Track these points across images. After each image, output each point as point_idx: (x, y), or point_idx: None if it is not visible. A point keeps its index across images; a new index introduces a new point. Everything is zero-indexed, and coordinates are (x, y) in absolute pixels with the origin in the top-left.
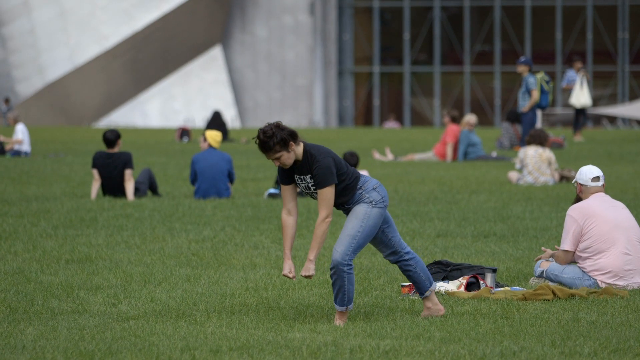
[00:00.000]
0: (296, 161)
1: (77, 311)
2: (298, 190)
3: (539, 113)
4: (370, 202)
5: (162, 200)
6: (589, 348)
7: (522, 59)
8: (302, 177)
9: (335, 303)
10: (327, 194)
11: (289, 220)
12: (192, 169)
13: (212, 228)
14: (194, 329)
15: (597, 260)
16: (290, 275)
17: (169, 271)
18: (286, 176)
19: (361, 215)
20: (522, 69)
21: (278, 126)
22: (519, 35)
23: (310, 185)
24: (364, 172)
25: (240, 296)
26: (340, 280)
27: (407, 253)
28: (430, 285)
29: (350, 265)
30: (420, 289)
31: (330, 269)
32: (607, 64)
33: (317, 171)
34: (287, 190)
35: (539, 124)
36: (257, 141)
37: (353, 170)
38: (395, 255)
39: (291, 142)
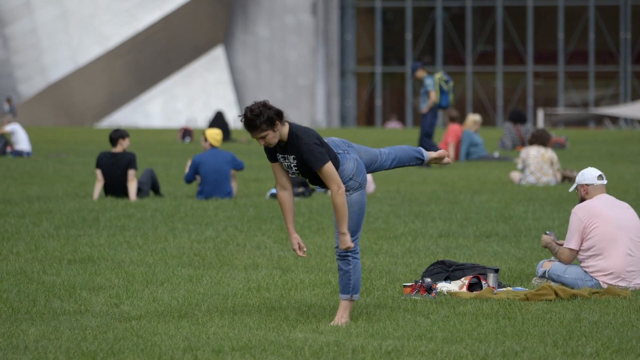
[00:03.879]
0: (280, 140)
1: (80, 311)
2: None
3: (440, 113)
4: (347, 191)
5: (164, 200)
6: (591, 348)
7: (414, 65)
8: (285, 156)
9: (340, 293)
10: (327, 171)
11: (284, 195)
12: (191, 169)
13: (215, 228)
14: (196, 329)
15: (599, 261)
16: (300, 253)
17: (171, 271)
18: (272, 154)
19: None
20: (419, 73)
21: (265, 105)
22: (521, 36)
23: (292, 165)
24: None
25: (242, 296)
26: (345, 264)
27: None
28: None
29: (354, 250)
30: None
31: (337, 256)
32: (609, 64)
33: (307, 155)
34: (276, 167)
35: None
36: (243, 119)
37: (334, 156)
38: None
39: (277, 122)
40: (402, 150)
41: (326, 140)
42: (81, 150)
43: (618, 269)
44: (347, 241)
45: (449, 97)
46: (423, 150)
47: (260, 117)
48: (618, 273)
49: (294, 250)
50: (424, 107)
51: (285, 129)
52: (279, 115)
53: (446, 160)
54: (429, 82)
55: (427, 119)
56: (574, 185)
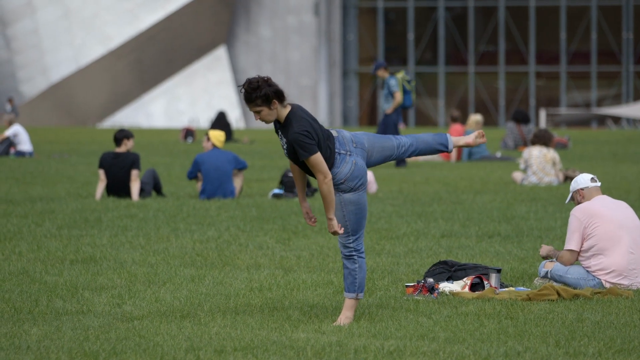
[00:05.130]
0: (279, 120)
1: (82, 311)
2: None
3: (403, 113)
4: (340, 192)
5: (167, 200)
6: (593, 348)
7: (377, 63)
8: (281, 136)
9: (345, 292)
10: (313, 161)
11: (295, 171)
12: (193, 167)
13: (217, 228)
14: (199, 329)
15: (601, 260)
16: (310, 222)
17: (174, 271)
18: (276, 132)
19: (339, 205)
20: (381, 72)
21: (266, 81)
22: (523, 36)
23: (284, 147)
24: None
25: (244, 296)
26: (350, 263)
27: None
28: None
29: (359, 250)
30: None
31: (342, 256)
32: (611, 64)
33: (295, 144)
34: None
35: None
36: (242, 90)
37: (331, 152)
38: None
39: (274, 101)
40: (424, 142)
41: (337, 134)
42: (83, 151)
43: (620, 267)
44: (334, 226)
45: (412, 97)
46: (449, 137)
47: (257, 91)
48: (620, 271)
49: (305, 219)
50: (388, 108)
51: (284, 111)
52: (277, 94)
53: (474, 139)
54: (392, 82)
55: (392, 119)
56: (569, 195)
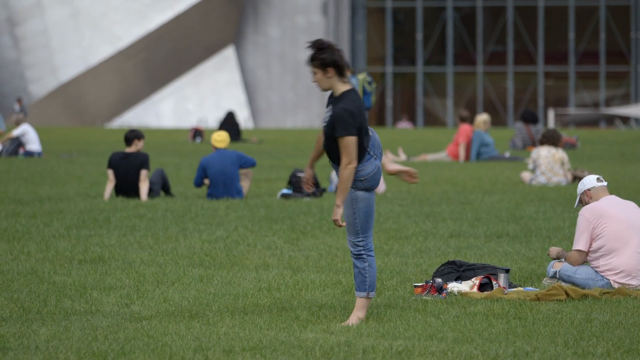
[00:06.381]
0: (333, 92)
1: (90, 311)
2: None
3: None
4: (355, 188)
5: (175, 200)
6: (601, 348)
7: None
8: (328, 109)
9: (356, 291)
10: (346, 142)
11: (320, 140)
12: (199, 172)
13: (225, 228)
14: (207, 329)
15: (609, 260)
16: (307, 186)
17: (182, 271)
18: (328, 105)
19: (349, 202)
20: None
21: (333, 48)
22: (531, 36)
23: (325, 121)
24: None
25: (253, 296)
26: (360, 262)
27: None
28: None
29: (368, 248)
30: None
31: (352, 255)
32: (620, 64)
33: (336, 118)
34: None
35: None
36: (310, 46)
37: (361, 150)
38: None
39: (330, 69)
40: None
41: (372, 134)
42: (92, 151)
43: (629, 267)
44: (338, 213)
45: (372, 99)
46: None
47: (319, 52)
48: (629, 271)
49: (303, 182)
50: None
51: (341, 87)
52: (335, 64)
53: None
54: (352, 82)
55: None
56: (577, 199)
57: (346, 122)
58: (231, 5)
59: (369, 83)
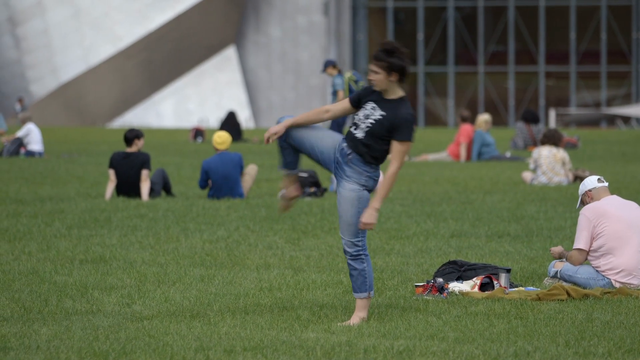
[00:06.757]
0: (383, 94)
1: (91, 311)
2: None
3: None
4: (362, 185)
5: (176, 200)
6: (603, 348)
7: (326, 61)
8: (374, 107)
9: (356, 292)
10: (405, 148)
11: (321, 112)
12: (202, 175)
13: (226, 228)
14: (208, 329)
15: (610, 259)
16: (266, 139)
17: (183, 271)
18: (359, 98)
19: (355, 201)
20: (329, 70)
21: (402, 53)
22: (532, 36)
23: (372, 117)
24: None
25: (254, 296)
26: (359, 263)
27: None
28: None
29: (365, 248)
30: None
31: (348, 258)
32: (621, 64)
33: (404, 124)
34: (344, 105)
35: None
36: (380, 46)
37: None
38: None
39: (394, 73)
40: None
41: None
42: (93, 151)
43: (629, 266)
44: (376, 217)
45: None
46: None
47: (388, 55)
48: (629, 270)
49: (268, 133)
50: None
51: (398, 91)
52: (400, 71)
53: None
54: (337, 81)
55: (334, 120)
56: (579, 200)
57: (412, 128)
58: (232, 5)
59: (356, 82)
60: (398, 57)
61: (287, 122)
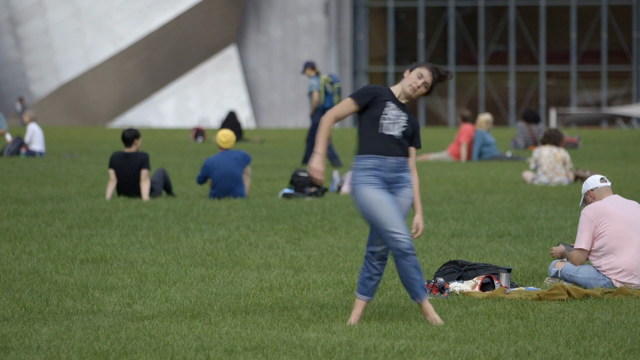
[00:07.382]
0: (398, 96)
1: (92, 311)
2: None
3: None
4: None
5: (177, 200)
6: (603, 348)
7: (305, 62)
8: (399, 112)
9: (364, 295)
10: (417, 154)
11: (330, 125)
12: (203, 172)
13: (227, 228)
14: (209, 329)
15: (611, 259)
16: (320, 175)
17: (184, 271)
18: (366, 100)
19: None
20: (308, 72)
21: (444, 77)
22: (533, 35)
23: (403, 119)
24: None
25: (254, 296)
26: (382, 267)
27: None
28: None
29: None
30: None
31: (376, 259)
32: (621, 63)
33: (419, 129)
34: (350, 108)
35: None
36: (441, 73)
37: None
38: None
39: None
40: None
41: None
42: (94, 150)
43: (630, 266)
44: (420, 226)
45: (334, 99)
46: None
47: (442, 79)
48: (630, 270)
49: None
50: (311, 109)
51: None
52: (430, 91)
53: None
54: (313, 82)
55: (314, 120)
56: (582, 199)
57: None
58: (233, 4)
59: (331, 83)
60: (439, 82)
61: (320, 157)
